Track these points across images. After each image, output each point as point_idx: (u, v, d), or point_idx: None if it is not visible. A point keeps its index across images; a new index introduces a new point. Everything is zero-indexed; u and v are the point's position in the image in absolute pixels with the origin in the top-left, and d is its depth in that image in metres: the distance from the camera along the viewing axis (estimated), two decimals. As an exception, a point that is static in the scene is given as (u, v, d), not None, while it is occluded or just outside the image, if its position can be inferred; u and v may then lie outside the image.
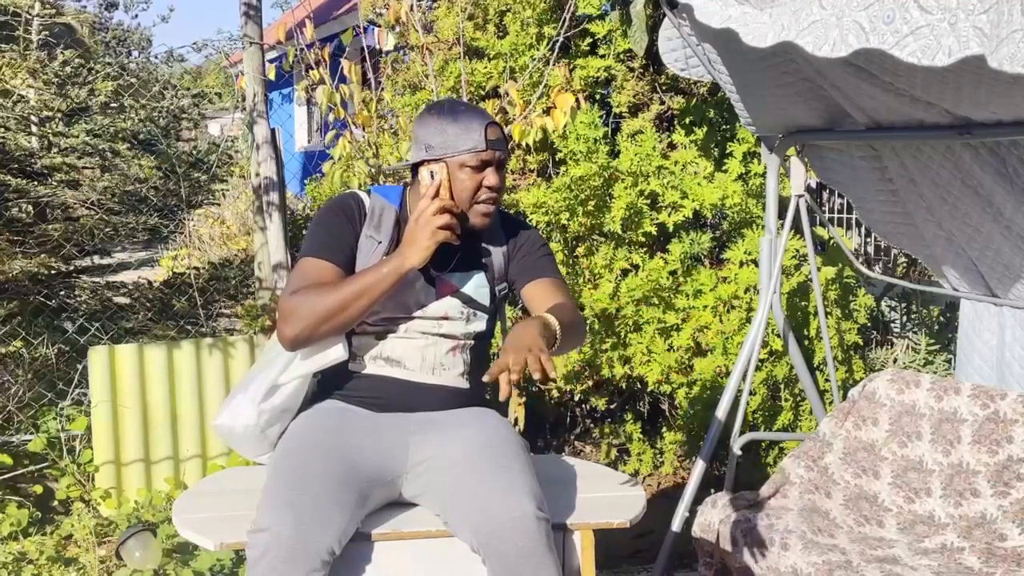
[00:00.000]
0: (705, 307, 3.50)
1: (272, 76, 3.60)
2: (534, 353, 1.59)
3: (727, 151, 3.65)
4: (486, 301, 2.02)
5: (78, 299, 4.94)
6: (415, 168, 1.96)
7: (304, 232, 2.24)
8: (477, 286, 2.01)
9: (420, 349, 1.96)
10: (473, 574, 1.73)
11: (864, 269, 3.14)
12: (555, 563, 1.69)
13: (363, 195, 2.02)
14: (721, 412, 2.75)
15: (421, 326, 1.95)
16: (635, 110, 3.90)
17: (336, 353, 1.92)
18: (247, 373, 2.01)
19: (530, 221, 3.44)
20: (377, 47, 3.43)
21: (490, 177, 1.91)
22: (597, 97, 3.90)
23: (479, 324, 2.01)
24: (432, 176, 1.90)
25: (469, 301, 1.99)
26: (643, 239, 3.61)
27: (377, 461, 1.85)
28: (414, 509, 1.89)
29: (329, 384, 2.00)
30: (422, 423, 1.94)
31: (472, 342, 2.01)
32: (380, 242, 1.95)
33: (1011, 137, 2.22)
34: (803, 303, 3.62)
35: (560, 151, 3.66)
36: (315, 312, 1.82)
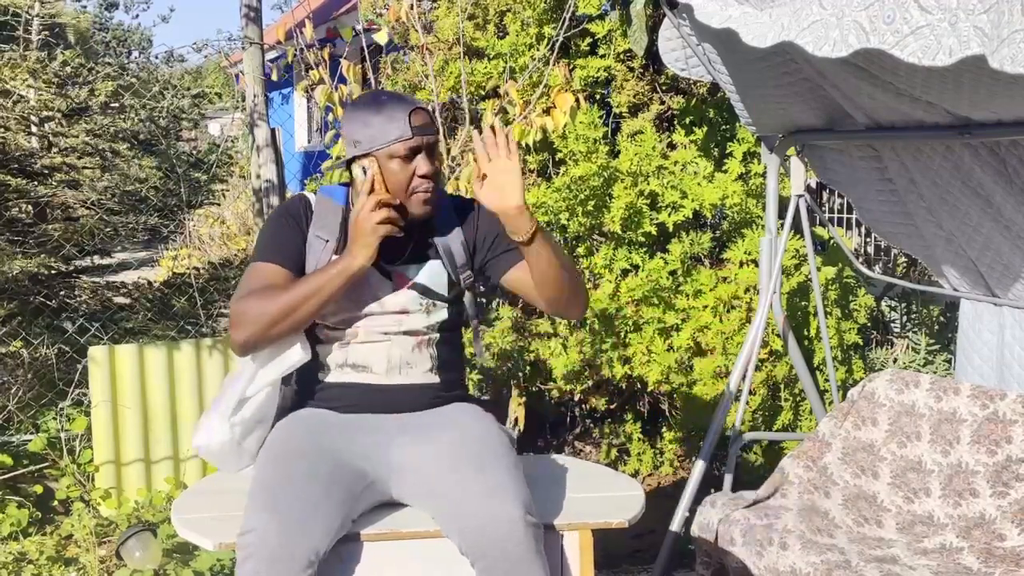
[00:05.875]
0: (705, 307, 3.50)
1: (273, 76, 3.60)
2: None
3: (727, 151, 3.65)
4: (444, 290, 1.97)
5: (78, 299, 4.95)
6: (350, 166, 1.93)
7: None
8: (432, 274, 1.96)
9: (385, 350, 1.93)
10: (468, 574, 1.73)
11: (864, 269, 3.14)
12: (544, 567, 1.68)
13: (311, 196, 2.00)
14: (721, 412, 2.75)
15: (382, 325, 1.92)
16: (635, 110, 3.89)
17: (296, 355, 1.89)
18: (218, 392, 1.99)
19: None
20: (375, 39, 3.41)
21: (422, 165, 1.86)
22: (597, 97, 3.90)
23: (441, 314, 1.96)
24: (364, 172, 1.86)
25: (426, 291, 1.94)
26: (643, 239, 3.61)
27: (362, 463, 1.83)
28: (408, 509, 1.88)
29: (303, 392, 1.98)
30: (403, 424, 1.91)
31: (437, 335, 1.97)
32: (327, 240, 1.92)
33: (1011, 137, 2.22)
34: (803, 303, 3.62)
35: (560, 151, 3.66)
36: (263, 316, 1.79)
